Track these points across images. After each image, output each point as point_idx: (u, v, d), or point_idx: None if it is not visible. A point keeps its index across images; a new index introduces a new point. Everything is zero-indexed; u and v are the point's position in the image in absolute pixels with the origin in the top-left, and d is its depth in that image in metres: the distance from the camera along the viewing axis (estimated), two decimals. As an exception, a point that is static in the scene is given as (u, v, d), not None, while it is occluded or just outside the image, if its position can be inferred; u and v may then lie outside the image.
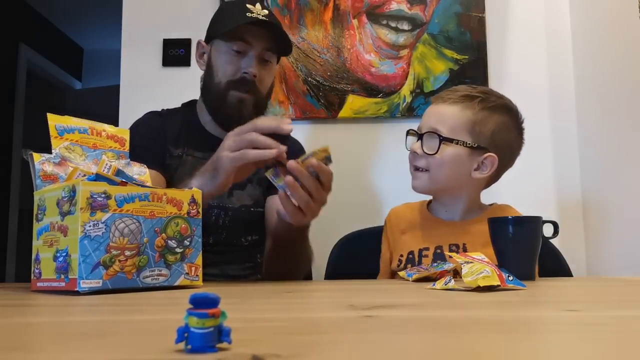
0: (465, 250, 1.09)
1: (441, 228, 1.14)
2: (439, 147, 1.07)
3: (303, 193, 0.84)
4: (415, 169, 1.13)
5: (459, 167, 1.10)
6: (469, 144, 1.09)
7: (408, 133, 1.17)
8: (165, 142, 1.23)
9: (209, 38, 1.24)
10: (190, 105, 1.34)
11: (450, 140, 1.08)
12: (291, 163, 0.82)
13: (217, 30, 1.20)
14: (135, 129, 1.21)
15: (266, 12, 1.16)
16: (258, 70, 1.17)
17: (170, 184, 1.16)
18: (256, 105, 1.19)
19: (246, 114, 1.16)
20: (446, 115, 1.10)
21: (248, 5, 1.16)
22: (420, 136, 1.11)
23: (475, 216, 1.14)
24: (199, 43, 1.27)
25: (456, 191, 1.13)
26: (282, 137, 0.85)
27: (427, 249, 1.11)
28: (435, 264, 1.00)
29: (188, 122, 1.28)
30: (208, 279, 0.89)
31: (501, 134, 1.12)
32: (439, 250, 1.10)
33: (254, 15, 1.13)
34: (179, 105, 1.36)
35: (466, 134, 1.09)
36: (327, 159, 0.85)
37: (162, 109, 1.33)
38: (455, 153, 1.08)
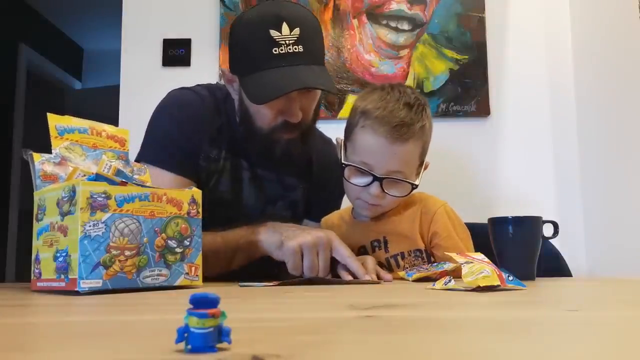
0: (386, 243, 1.10)
1: (365, 228, 1.14)
2: (410, 192, 1.06)
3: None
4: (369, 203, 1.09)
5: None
6: (421, 170, 1.08)
7: (359, 170, 1.05)
8: (202, 139, 1.08)
9: (235, 72, 1.06)
10: (227, 100, 1.14)
11: (416, 184, 1.06)
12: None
13: (244, 72, 1.02)
14: (169, 113, 1.09)
15: (296, 33, 0.96)
16: (301, 103, 1.02)
17: (206, 188, 1.04)
18: (303, 137, 1.08)
19: (296, 151, 1.09)
20: (407, 155, 1.05)
21: (272, 34, 0.96)
22: (378, 178, 1.03)
23: (394, 209, 1.14)
24: (224, 73, 1.09)
25: None
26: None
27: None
28: (436, 264, 1.00)
29: (228, 118, 1.12)
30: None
31: (431, 134, 1.11)
32: (362, 250, 1.11)
33: (283, 50, 0.96)
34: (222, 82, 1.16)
35: (419, 159, 1.08)
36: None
37: (206, 86, 1.15)
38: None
